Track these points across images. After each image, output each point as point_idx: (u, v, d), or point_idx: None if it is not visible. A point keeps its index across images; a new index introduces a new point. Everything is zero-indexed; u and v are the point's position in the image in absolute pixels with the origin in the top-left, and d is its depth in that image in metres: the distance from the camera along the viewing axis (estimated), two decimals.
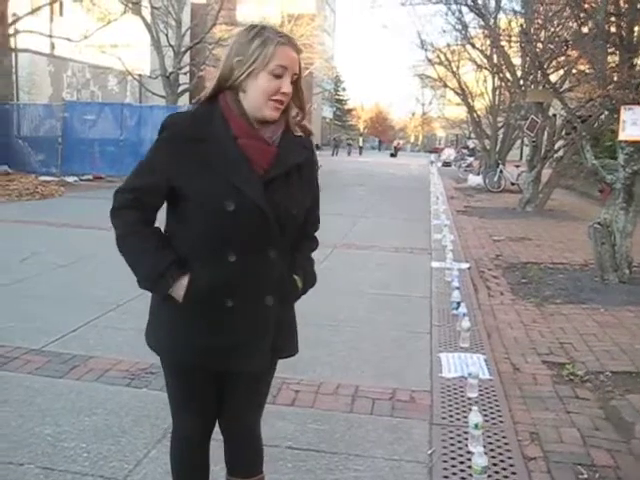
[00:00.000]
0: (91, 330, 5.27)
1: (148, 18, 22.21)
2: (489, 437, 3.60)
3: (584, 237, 8.40)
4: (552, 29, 12.14)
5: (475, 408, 3.51)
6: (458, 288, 6.32)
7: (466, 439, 3.53)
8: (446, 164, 40.59)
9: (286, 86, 2.05)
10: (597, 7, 7.71)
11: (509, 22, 18.03)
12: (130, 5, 21.52)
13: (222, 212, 2.01)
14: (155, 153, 2.10)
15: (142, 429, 3.57)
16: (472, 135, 36.26)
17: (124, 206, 2.10)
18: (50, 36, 22.39)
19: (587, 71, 9.57)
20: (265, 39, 2.02)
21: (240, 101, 2.07)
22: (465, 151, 39.09)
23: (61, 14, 25.00)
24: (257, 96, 2.04)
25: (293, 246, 2.21)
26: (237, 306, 2.09)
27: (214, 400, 2.25)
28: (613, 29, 7.62)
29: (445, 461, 3.35)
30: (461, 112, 37.90)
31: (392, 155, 58.02)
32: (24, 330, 5.13)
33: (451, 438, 3.60)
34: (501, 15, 19.95)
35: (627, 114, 7.14)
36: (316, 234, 2.39)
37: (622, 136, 7.35)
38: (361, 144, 63.92)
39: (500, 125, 24.67)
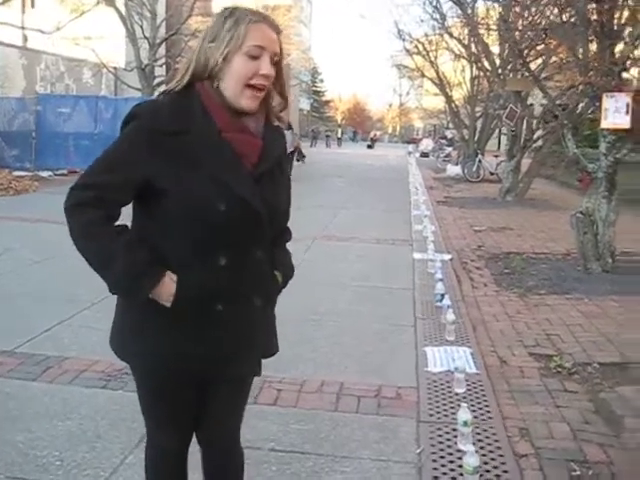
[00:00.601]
0: (66, 329, 5.10)
1: (122, 9, 21.80)
2: (478, 434, 3.49)
3: (566, 226, 8.35)
4: (530, 17, 12.06)
5: (464, 405, 3.41)
6: (442, 280, 6.23)
7: (455, 436, 3.43)
8: (424, 155, 40.55)
9: (265, 67, 1.86)
10: None
11: (487, 10, 17.96)
12: None
13: (212, 213, 1.82)
14: (124, 146, 1.85)
15: (118, 433, 3.43)
16: (450, 125, 36.30)
17: (84, 203, 1.83)
18: (22, 28, 21.95)
19: (567, 59, 9.50)
20: (237, 18, 1.86)
21: (220, 91, 1.88)
22: (443, 141, 39.04)
23: (32, 5, 24.48)
24: (233, 82, 1.86)
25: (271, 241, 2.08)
26: (226, 310, 1.92)
27: (192, 407, 2.09)
28: (594, 16, 7.54)
29: (434, 460, 3.24)
30: (439, 102, 37.90)
31: (369, 147, 57.86)
32: None
33: (439, 436, 3.50)
34: (479, 3, 19.90)
35: (609, 102, 7.07)
36: (291, 226, 2.23)
37: (604, 124, 7.29)
38: (340, 135, 63.71)
39: (478, 115, 24.65)
